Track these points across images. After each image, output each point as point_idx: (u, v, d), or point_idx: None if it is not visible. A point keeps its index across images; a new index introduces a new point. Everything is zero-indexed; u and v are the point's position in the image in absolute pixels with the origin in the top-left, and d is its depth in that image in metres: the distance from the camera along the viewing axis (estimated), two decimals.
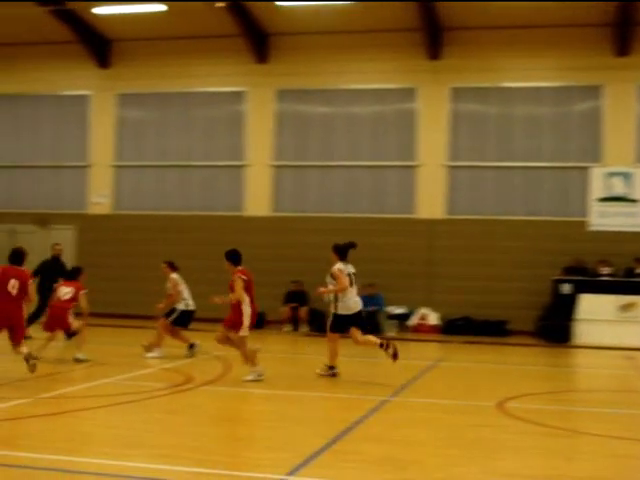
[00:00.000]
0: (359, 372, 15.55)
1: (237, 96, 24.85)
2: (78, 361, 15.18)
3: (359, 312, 14.26)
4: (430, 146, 23.67)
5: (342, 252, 14.52)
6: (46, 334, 15.45)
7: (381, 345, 13.77)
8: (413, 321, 23.05)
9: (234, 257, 13.67)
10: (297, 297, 23.15)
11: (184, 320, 16.32)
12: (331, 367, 14.18)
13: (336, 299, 14.16)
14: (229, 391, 12.64)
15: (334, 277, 14.19)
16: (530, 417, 10.64)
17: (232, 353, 16.21)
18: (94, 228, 25.45)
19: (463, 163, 23.61)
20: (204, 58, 24.93)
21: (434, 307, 23.17)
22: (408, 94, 23.93)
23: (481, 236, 23.27)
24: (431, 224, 23.52)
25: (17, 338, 12.66)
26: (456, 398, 12.32)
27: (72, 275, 16.04)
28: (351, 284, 14.24)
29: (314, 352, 18.94)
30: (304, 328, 22.85)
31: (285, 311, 22.99)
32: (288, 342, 21.08)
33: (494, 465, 8.17)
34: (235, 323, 13.35)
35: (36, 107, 26.29)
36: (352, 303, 14.16)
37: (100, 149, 25.68)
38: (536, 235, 22.88)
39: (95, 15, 23.66)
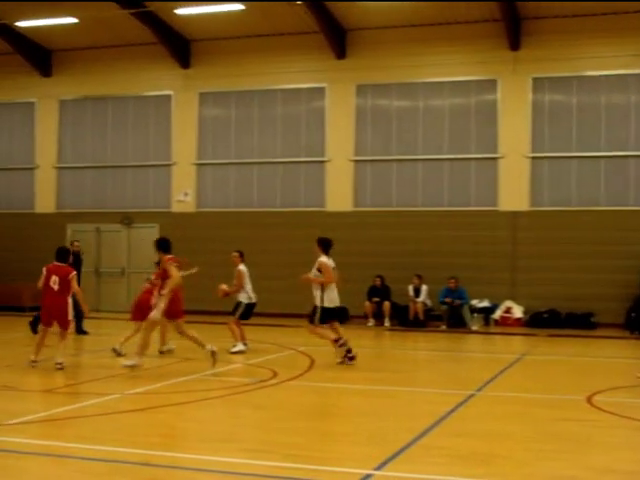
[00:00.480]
0: (445, 366, 15.48)
1: (317, 92, 24.92)
2: (163, 353, 15.64)
3: (340, 306, 15.16)
4: (512, 137, 23.41)
5: (327, 246, 15.08)
6: (134, 325, 15.76)
7: (336, 340, 14.62)
8: (497, 314, 22.83)
9: (164, 245, 14.09)
10: (380, 292, 23.15)
11: (247, 313, 16.45)
12: (348, 351, 14.66)
13: (322, 292, 14.57)
14: (315, 386, 12.69)
15: (321, 270, 14.67)
16: (620, 411, 10.47)
17: (315, 348, 16.34)
18: (178, 226, 25.74)
19: (546, 154, 23.28)
20: (283, 55, 25.08)
21: (518, 300, 22.92)
22: (489, 85, 23.69)
23: (565, 227, 22.91)
24: (514, 216, 23.26)
25: (62, 330, 13.69)
26: (543, 392, 12.18)
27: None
28: None
29: (399, 346, 18.94)
30: (387, 322, 22.84)
31: (368, 306, 23.01)
32: (372, 337, 21.06)
33: (584, 459, 8.06)
34: (176, 312, 13.91)
35: (121, 108, 26.79)
36: (335, 296, 14.77)
37: (183, 148, 26.03)
38: (623, 225, 22.43)
39: (175, 16, 23.98)
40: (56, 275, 13.59)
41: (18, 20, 24.59)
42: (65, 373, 13.45)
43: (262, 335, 19.62)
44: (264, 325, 21.70)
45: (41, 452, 8.19)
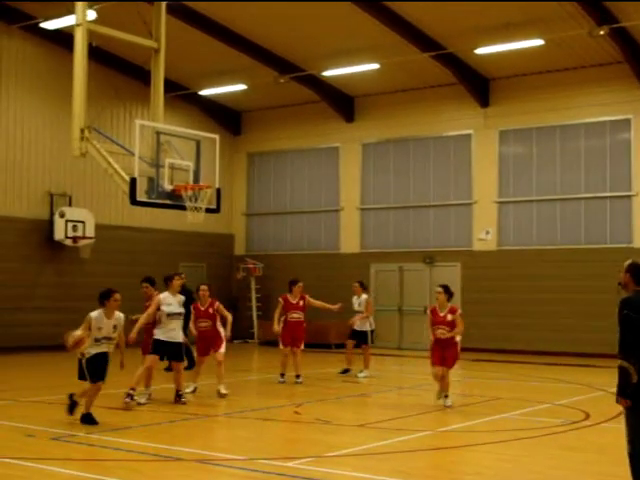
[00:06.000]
0: None
1: (622, 124, 24.04)
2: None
3: None
4: None
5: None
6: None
7: None
8: None
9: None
10: None
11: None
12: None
13: None
14: None
15: None
16: None
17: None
18: (479, 265, 25.75)
19: None
20: (585, 88, 24.46)
21: None
22: None
23: None
24: None
25: None
26: None
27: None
28: None
29: None
30: None
31: None
32: None
33: None
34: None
35: (422, 149, 27.20)
36: None
37: (483, 186, 25.99)
38: None
39: (474, 56, 24.08)
40: None
41: (324, 70, 25.76)
42: (375, 409, 13.78)
43: (570, 375, 19.10)
44: (571, 365, 21.15)
45: None
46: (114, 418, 12.46)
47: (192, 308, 15.28)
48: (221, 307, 15.39)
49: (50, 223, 24.72)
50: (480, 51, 23.25)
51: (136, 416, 12.73)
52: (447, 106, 26.60)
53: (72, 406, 11.91)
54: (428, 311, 14.33)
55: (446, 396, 13.77)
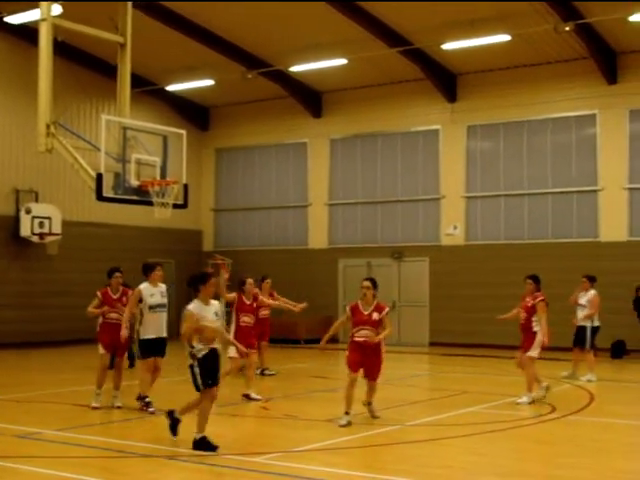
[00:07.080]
0: None
1: (588, 119, 24.23)
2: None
3: None
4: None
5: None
6: None
7: None
8: None
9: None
10: None
11: None
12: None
13: None
14: (596, 421, 12.26)
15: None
16: None
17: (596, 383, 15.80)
18: (447, 259, 25.85)
19: None
20: (551, 84, 24.62)
21: None
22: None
23: None
24: None
25: None
26: None
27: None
28: None
29: None
30: None
31: None
32: None
33: None
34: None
35: (390, 144, 27.23)
36: None
37: (451, 181, 26.07)
38: None
39: (441, 51, 24.16)
40: None
41: (291, 65, 25.71)
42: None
43: (537, 369, 19.17)
44: (539, 359, 21.22)
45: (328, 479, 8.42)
46: (82, 415, 12.40)
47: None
48: (262, 299, 14.70)
49: (16, 219, 24.50)
50: (447, 47, 23.32)
51: (104, 413, 12.66)
52: (415, 101, 26.65)
53: (174, 425, 10.23)
54: (347, 309, 11.79)
55: (369, 403, 12.02)
